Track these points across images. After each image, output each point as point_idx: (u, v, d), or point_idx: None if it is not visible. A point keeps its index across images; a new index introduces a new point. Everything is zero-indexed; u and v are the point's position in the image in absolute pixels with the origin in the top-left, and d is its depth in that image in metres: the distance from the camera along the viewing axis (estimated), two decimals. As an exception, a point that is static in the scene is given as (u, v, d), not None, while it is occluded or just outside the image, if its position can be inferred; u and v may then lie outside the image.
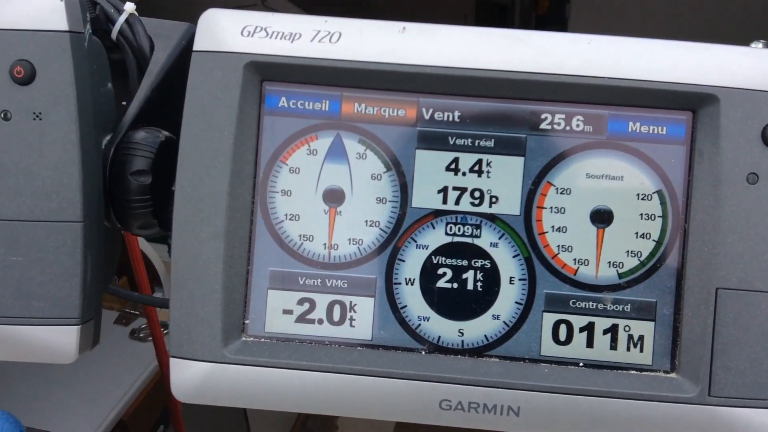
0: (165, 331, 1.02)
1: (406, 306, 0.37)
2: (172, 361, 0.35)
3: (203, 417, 1.10)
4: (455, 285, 0.36)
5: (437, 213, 0.37)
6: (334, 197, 0.37)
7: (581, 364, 0.36)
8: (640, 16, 2.11)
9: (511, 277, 0.36)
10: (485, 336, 0.36)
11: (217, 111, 0.35)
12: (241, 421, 1.24)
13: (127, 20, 0.42)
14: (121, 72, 0.44)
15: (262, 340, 0.36)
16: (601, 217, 0.36)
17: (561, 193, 0.36)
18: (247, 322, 0.36)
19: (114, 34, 0.43)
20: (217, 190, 0.35)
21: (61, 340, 0.37)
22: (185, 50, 0.47)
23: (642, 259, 0.36)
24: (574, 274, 0.36)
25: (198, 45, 0.36)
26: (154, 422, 1.06)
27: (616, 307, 0.36)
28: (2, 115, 0.36)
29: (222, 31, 0.36)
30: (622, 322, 0.36)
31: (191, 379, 0.35)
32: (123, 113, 0.43)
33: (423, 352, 0.36)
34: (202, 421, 1.10)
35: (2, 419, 0.45)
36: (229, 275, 0.35)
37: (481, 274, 0.36)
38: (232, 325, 0.36)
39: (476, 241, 0.37)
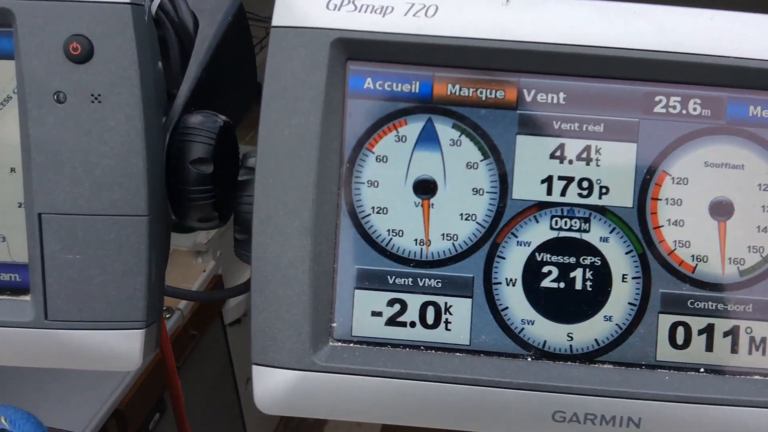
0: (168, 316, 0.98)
1: (507, 308, 0.32)
2: (255, 369, 0.31)
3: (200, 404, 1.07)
4: (562, 285, 0.32)
5: (541, 205, 0.32)
6: (425, 188, 0.32)
7: (702, 370, 0.32)
8: None
9: (623, 275, 0.32)
10: (596, 340, 0.32)
11: (301, 94, 0.31)
12: (234, 402, 1.21)
13: (168, -7, 0.37)
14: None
15: (351, 345, 0.32)
16: (722, 210, 0.32)
17: (677, 183, 0.32)
18: (333, 325, 0.32)
19: (153, 9, 0.38)
20: (303, 181, 0.31)
21: (124, 346, 0.33)
22: (232, 26, 0.42)
23: (765, 255, 0.32)
24: (693, 272, 0.32)
25: (278, 20, 0.31)
26: (149, 411, 1.02)
27: (738, 308, 0.32)
28: (56, 97, 0.31)
29: (305, 5, 0.31)
30: (743, 324, 0.32)
31: (279, 388, 0.31)
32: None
33: (529, 359, 0.32)
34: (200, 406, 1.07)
35: (26, 420, 0.41)
36: (316, 274, 0.31)
37: (591, 272, 0.32)
38: (320, 329, 0.31)
39: (585, 236, 0.32)
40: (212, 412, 1.15)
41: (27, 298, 0.34)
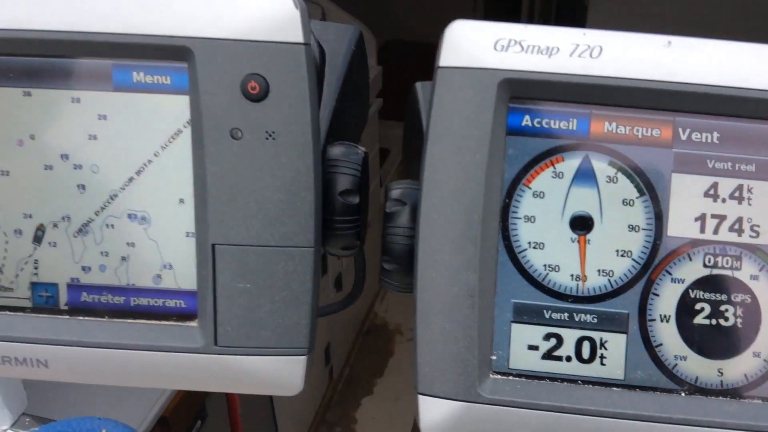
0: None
1: (661, 344, 0.32)
2: (422, 399, 0.31)
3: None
4: (714, 321, 0.32)
5: (694, 243, 0.32)
6: (582, 224, 0.32)
7: None
8: (661, 8, 2.04)
9: (774, 313, 0.32)
10: (745, 375, 0.32)
11: (467, 132, 0.31)
12: (267, 409, 1.21)
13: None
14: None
15: (510, 377, 0.32)
16: None
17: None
18: (493, 358, 0.32)
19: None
20: (468, 217, 0.31)
21: (288, 371, 0.34)
22: (355, 55, 0.43)
23: None
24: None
25: (445, 61, 0.31)
26: (192, 418, 1.04)
27: None
28: (233, 133, 0.32)
29: (473, 46, 0.31)
30: None
31: (445, 419, 0.31)
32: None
33: (683, 394, 0.32)
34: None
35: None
36: (480, 308, 0.31)
37: (741, 309, 0.32)
38: (483, 361, 0.32)
39: (736, 274, 0.32)
40: (247, 416, 1.16)
41: (193, 324, 0.35)
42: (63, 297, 0.36)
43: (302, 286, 0.33)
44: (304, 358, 0.34)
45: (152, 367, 0.35)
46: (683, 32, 0.32)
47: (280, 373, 0.33)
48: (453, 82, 0.31)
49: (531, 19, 2.42)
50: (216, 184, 0.32)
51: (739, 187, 0.32)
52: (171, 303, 0.35)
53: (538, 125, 0.33)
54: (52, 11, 0.32)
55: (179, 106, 0.33)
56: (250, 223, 0.33)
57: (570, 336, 0.33)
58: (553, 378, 0.33)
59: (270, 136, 0.32)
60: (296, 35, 0.31)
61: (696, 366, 0.32)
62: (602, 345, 0.33)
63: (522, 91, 0.32)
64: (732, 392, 0.32)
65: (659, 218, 0.32)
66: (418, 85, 0.45)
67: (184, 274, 0.35)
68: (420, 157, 0.41)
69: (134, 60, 0.33)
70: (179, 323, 0.35)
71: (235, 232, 0.33)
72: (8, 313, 0.36)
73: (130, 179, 0.34)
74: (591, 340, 0.33)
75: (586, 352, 0.33)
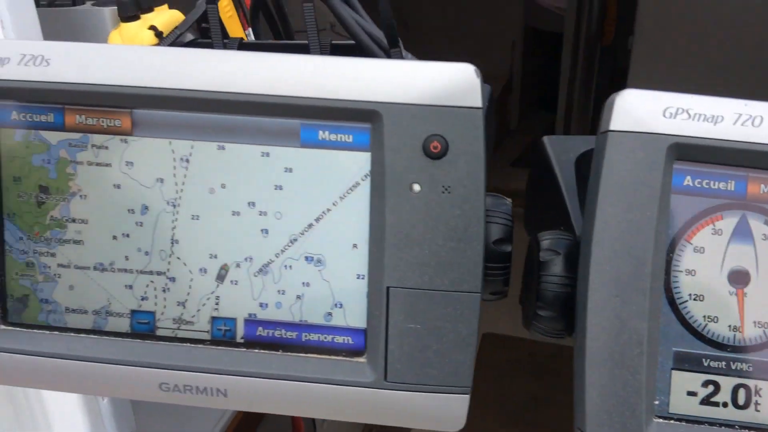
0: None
1: (817, 394, 0.33)
2: (588, 441, 0.33)
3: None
4: None
5: None
6: (739, 278, 0.34)
7: None
8: (704, 50, 2.04)
9: None
10: None
11: (637, 191, 0.33)
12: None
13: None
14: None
15: (671, 421, 0.34)
16: None
17: None
18: (656, 402, 0.33)
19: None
20: (639, 270, 0.33)
21: (451, 409, 0.35)
22: (490, 112, 0.45)
23: None
24: None
25: (616, 124, 0.33)
26: None
27: None
28: (412, 187, 0.34)
29: (644, 113, 0.33)
30: None
31: (613, 461, 0.32)
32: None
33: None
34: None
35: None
36: (648, 355, 0.33)
37: None
38: (648, 406, 0.33)
39: None
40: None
41: (362, 359, 0.37)
42: (240, 331, 0.38)
43: (468, 329, 0.35)
44: (467, 396, 0.35)
45: (324, 399, 0.37)
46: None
47: (444, 410, 0.35)
48: (624, 145, 0.33)
49: (574, 68, 2.44)
50: (393, 232, 0.35)
51: None
52: (340, 339, 0.38)
53: (699, 185, 0.34)
54: (251, 75, 0.35)
55: (359, 161, 0.36)
56: (423, 268, 0.35)
57: (727, 383, 0.34)
58: (711, 423, 0.34)
59: (446, 190, 0.34)
60: (476, 100, 0.34)
61: None
62: (757, 392, 0.34)
63: (688, 154, 0.34)
64: None
65: (814, 274, 0.34)
66: (546, 139, 0.47)
67: (353, 313, 0.37)
68: (556, 207, 0.43)
69: (322, 120, 0.35)
70: (348, 359, 0.37)
71: (409, 276, 0.35)
72: (189, 344, 0.39)
73: (310, 225, 0.37)
74: (746, 387, 0.34)
75: (741, 399, 0.34)
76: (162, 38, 0.52)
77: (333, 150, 0.36)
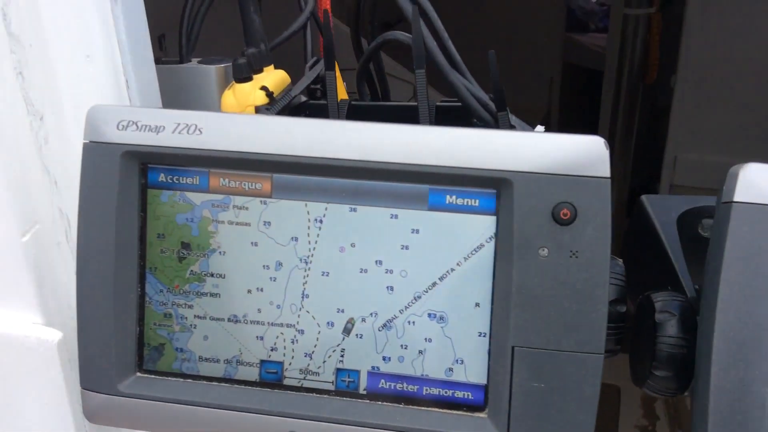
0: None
1: None
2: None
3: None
4: None
5: None
6: None
7: None
8: (746, 90, 2.02)
9: None
10: None
11: (763, 260, 0.34)
12: None
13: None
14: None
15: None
16: None
17: None
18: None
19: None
20: (764, 336, 0.34)
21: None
22: None
23: None
24: None
25: (741, 196, 0.35)
26: None
27: None
28: (540, 251, 0.36)
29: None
30: None
31: None
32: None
33: None
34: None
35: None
36: (773, 422, 0.33)
37: None
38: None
39: None
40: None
41: (483, 415, 0.38)
42: (363, 383, 0.40)
43: (591, 388, 0.36)
44: (587, 453, 0.36)
45: (446, 453, 0.38)
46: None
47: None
48: (748, 216, 0.35)
49: (616, 106, 2.44)
50: (520, 293, 0.36)
51: None
52: (460, 394, 0.39)
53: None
54: (384, 144, 0.38)
55: (484, 224, 0.38)
56: (549, 330, 0.36)
57: None
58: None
59: (573, 254, 0.36)
60: (605, 170, 0.35)
61: None
62: None
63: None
64: None
65: None
66: (644, 198, 0.48)
67: (473, 369, 0.39)
68: (660, 265, 0.44)
69: (451, 186, 0.38)
70: (469, 414, 0.39)
71: (534, 336, 0.36)
72: (314, 394, 0.41)
73: (434, 284, 0.39)
74: None
75: None
76: (272, 98, 0.55)
77: (459, 213, 0.38)
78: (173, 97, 0.63)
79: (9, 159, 0.54)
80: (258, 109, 0.54)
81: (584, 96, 2.84)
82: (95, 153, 0.39)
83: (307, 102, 0.54)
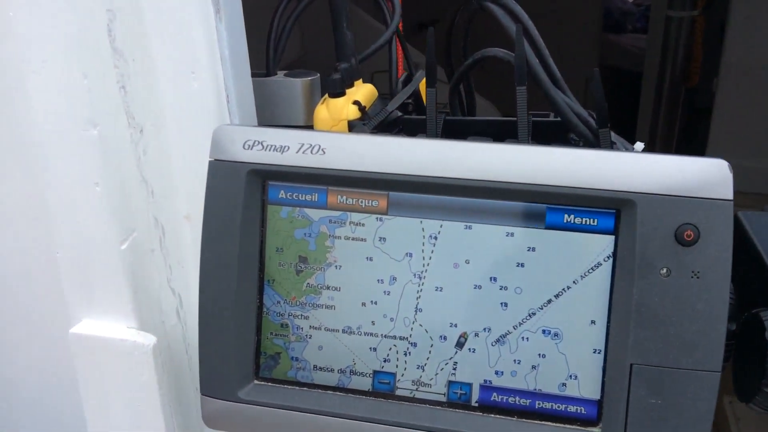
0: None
1: None
2: None
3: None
4: None
5: None
6: None
7: None
8: None
9: None
10: None
11: None
12: None
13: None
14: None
15: None
16: None
17: None
18: None
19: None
20: None
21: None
22: None
23: None
24: None
25: None
26: None
27: None
28: (664, 271, 0.36)
29: None
30: None
31: None
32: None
33: None
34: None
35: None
36: None
37: None
38: None
39: None
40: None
41: (595, 429, 0.39)
42: (475, 395, 0.41)
43: (707, 406, 0.37)
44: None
45: (561, 466, 0.39)
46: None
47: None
48: None
49: (657, 108, 2.42)
50: (640, 312, 0.37)
51: None
52: (572, 409, 0.40)
53: None
54: (502, 164, 0.38)
55: (602, 243, 0.38)
56: (668, 348, 0.37)
57: None
58: None
59: (695, 275, 0.36)
60: (728, 193, 0.36)
61: None
62: None
63: None
64: None
65: None
66: (741, 214, 0.49)
67: (587, 385, 0.39)
68: (762, 282, 0.44)
69: (570, 206, 0.38)
70: (582, 428, 0.39)
71: (653, 354, 0.37)
72: (426, 405, 0.42)
73: (549, 301, 0.39)
74: None
75: None
76: (365, 112, 0.56)
77: (576, 232, 0.39)
78: (260, 110, 0.64)
79: (111, 169, 0.56)
80: (352, 124, 0.55)
81: (621, 98, 2.81)
82: (221, 170, 0.41)
83: (401, 117, 0.55)
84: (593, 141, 0.48)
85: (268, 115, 0.65)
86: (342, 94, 0.56)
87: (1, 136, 0.62)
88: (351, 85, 0.58)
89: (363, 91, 0.58)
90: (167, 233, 0.61)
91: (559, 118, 0.51)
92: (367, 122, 0.54)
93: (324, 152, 0.39)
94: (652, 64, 2.42)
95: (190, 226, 0.59)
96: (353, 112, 0.56)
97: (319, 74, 0.65)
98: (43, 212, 0.65)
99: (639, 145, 0.49)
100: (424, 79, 0.59)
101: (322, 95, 0.58)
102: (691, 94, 2.47)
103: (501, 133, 0.52)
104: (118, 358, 0.61)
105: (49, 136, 0.55)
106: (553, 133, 0.51)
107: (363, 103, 0.56)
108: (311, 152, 0.39)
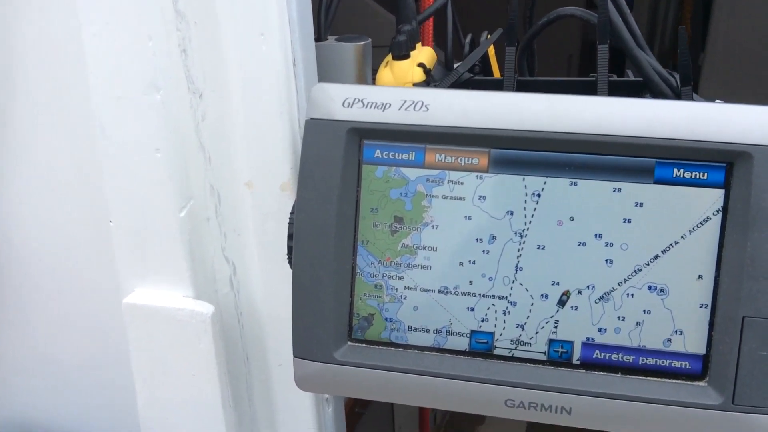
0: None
1: None
2: None
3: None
4: None
5: None
6: None
7: None
8: None
9: None
10: None
11: None
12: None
13: None
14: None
15: None
16: None
17: None
18: None
19: None
20: None
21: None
22: None
23: None
24: None
25: None
26: None
27: None
28: (778, 224, 0.35)
29: None
30: None
31: None
32: None
33: None
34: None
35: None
36: None
37: None
38: None
39: None
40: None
41: (702, 383, 0.38)
42: (577, 353, 0.40)
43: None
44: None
45: (668, 420, 0.38)
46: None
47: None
48: None
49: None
50: (755, 265, 0.36)
51: None
52: (677, 364, 0.39)
53: None
54: (610, 117, 0.37)
55: (712, 197, 0.37)
56: (782, 300, 0.36)
57: None
58: None
59: (808, 226, 0.35)
60: None
61: None
62: None
63: None
64: None
65: None
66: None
67: (693, 340, 0.39)
68: None
69: (680, 159, 0.37)
70: (689, 382, 0.39)
71: (766, 307, 0.36)
72: (527, 364, 0.41)
73: (656, 257, 0.38)
74: None
75: None
76: (429, 74, 0.54)
77: (686, 186, 0.38)
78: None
79: (172, 135, 0.54)
80: (417, 86, 0.53)
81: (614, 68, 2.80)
82: (319, 129, 0.39)
83: (472, 78, 0.53)
84: (674, 100, 0.47)
85: (321, 81, 0.63)
86: (407, 56, 0.54)
87: (54, 102, 0.59)
88: (413, 48, 0.56)
89: (425, 54, 0.56)
90: (223, 201, 0.59)
91: (636, 78, 0.50)
92: (435, 84, 0.52)
93: (427, 108, 0.38)
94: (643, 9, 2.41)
95: (251, 193, 0.57)
96: (419, 75, 0.54)
97: (370, 39, 0.63)
98: (91, 179, 0.63)
99: (720, 102, 0.48)
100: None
101: (381, 59, 0.57)
102: (676, 69, 2.46)
103: (575, 93, 0.50)
104: (175, 328, 0.60)
105: (109, 100, 0.53)
106: (627, 94, 0.50)
107: (427, 66, 0.55)
108: (414, 109, 0.38)
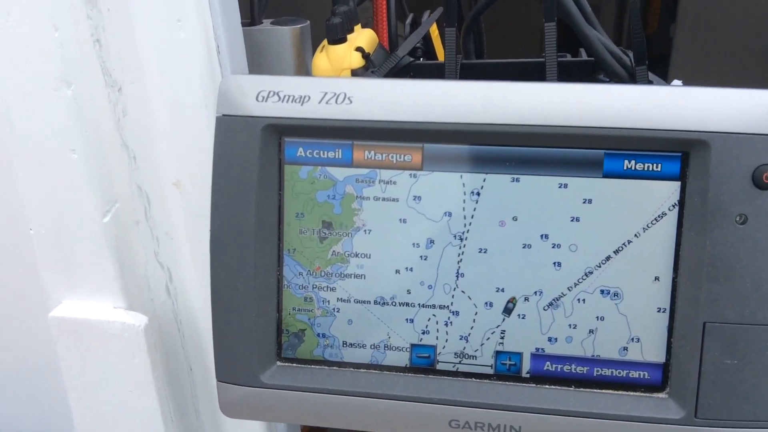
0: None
1: None
2: None
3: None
4: None
5: None
6: None
7: None
8: (745, 38, 1.99)
9: None
10: None
11: None
12: None
13: None
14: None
15: None
16: None
17: None
18: None
19: None
20: None
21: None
22: None
23: None
24: None
25: None
26: None
27: None
28: (739, 218, 0.32)
29: None
30: None
31: None
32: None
33: None
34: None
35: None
36: None
37: None
38: None
39: None
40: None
41: (662, 395, 0.35)
42: (526, 365, 0.37)
43: None
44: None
45: (625, 436, 0.35)
46: None
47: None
48: None
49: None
50: (714, 265, 0.33)
51: None
52: (635, 374, 0.36)
53: None
54: (552, 106, 0.34)
55: (667, 190, 0.34)
56: (745, 303, 0.33)
57: None
58: None
59: (775, 221, 0.32)
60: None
61: None
62: None
63: None
64: None
65: None
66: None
67: (651, 347, 0.35)
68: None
69: (630, 150, 0.34)
70: (648, 394, 0.36)
71: (728, 311, 0.33)
72: (472, 379, 0.37)
73: (608, 258, 0.35)
74: None
75: None
76: (369, 59, 0.50)
77: (638, 180, 0.34)
78: (248, 61, 0.57)
79: (89, 134, 0.50)
80: (356, 73, 0.49)
81: (578, 46, 2.78)
82: (231, 127, 0.35)
83: (413, 63, 0.49)
84: (628, 81, 0.43)
85: (254, 68, 0.59)
86: (343, 40, 0.50)
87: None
88: (351, 30, 0.51)
89: (364, 37, 0.52)
90: (153, 203, 0.55)
91: (587, 58, 0.46)
92: (374, 70, 0.48)
93: (351, 101, 0.34)
94: (610, 12, 2.39)
95: (180, 193, 0.53)
96: (357, 60, 0.50)
97: (309, 22, 0.58)
98: (9, 183, 0.58)
99: (677, 83, 0.45)
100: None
101: (318, 43, 0.52)
102: (649, 41, 2.44)
103: (522, 76, 0.47)
104: (107, 342, 0.55)
105: (16, 98, 0.48)
106: (580, 74, 0.47)
107: (366, 50, 0.51)
108: (336, 102, 0.34)
